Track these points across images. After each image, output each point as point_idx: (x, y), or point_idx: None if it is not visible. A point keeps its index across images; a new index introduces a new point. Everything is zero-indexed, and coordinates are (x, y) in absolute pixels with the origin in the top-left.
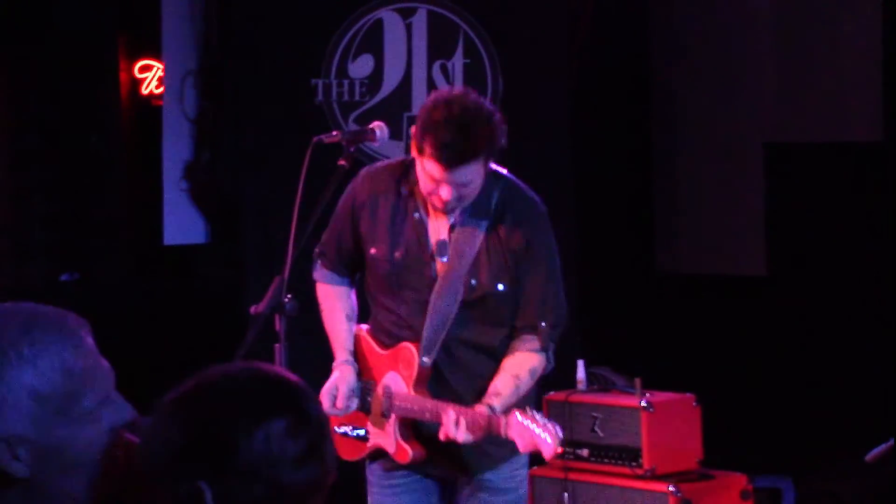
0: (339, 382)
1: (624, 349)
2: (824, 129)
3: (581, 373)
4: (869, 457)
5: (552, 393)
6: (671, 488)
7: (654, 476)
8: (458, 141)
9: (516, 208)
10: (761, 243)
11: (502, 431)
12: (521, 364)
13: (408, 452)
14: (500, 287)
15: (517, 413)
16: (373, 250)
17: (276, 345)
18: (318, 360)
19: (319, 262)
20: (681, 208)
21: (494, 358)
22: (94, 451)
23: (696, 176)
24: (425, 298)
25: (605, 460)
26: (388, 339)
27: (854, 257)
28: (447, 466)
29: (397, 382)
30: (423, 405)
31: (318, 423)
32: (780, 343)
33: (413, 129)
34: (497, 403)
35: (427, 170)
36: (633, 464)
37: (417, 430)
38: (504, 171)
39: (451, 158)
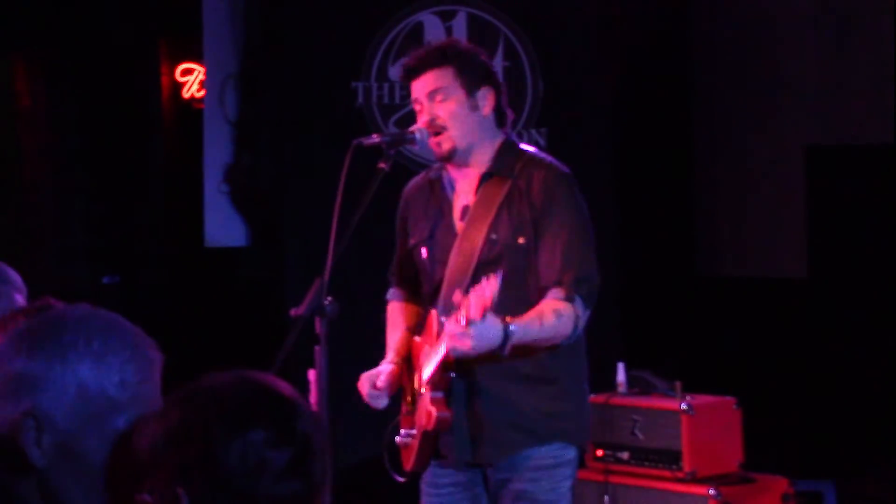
0: (383, 371)
1: (664, 352)
2: (865, 132)
3: (621, 375)
4: None
5: (592, 395)
6: (712, 491)
7: (695, 479)
8: (415, 52)
9: (538, 169)
10: (802, 246)
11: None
12: (546, 304)
13: (433, 415)
14: (521, 241)
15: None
16: (412, 240)
17: (317, 347)
18: (359, 362)
19: (392, 281)
20: (722, 211)
21: (521, 314)
22: (102, 477)
23: (737, 178)
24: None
25: (646, 463)
26: (424, 321)
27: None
28: (469, 451)
29: (426, 353)
30: (434, 351)
31: (303, 439)
32: (821, 345)
33: None
34: (512, 322)
35: (412, 102)
36: (674, 467)
37: (449, 407)
38: (532, 148)
39: (412, 68)
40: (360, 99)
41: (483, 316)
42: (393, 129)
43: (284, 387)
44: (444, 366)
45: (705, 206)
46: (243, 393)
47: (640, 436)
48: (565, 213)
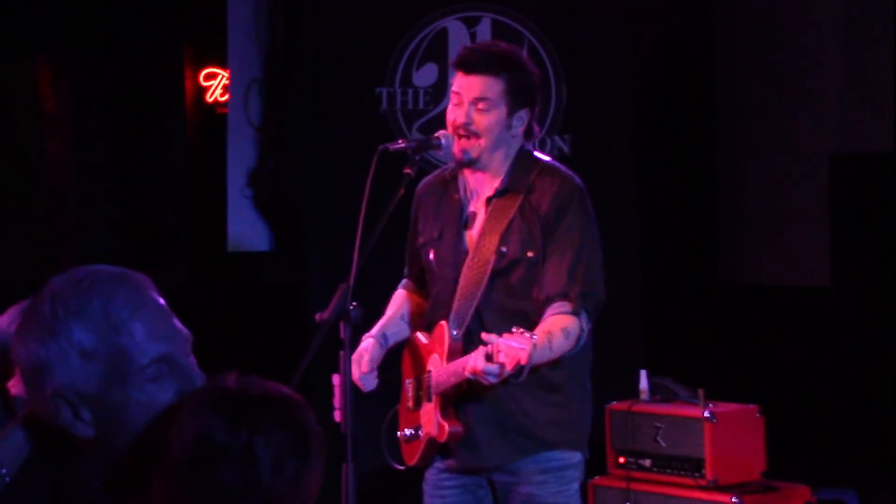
0: (364, 352)
1: (687, 359)
2: (890, 141)
3: (644, 383)
4: None
5: (615, 403)
6: (734, 499)
7: (717, 487)
8: (479, 49)
9: (550, 180)
10: (826, 254)
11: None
12: (554, 323)
13: (445, 429)
14: (530, 254)
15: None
16: (421, 239)
17: (341, 352)
18: (382, 366)
19: (405, 272)
20: (745, 219)
21: (526, 325)
22: (152, 413)
23: (761, 186)
24: (458, 274)
25: (668, 471)
26: (431, 326)
27: None
28: (474, 456)
29: (436, 362)
30: (451, 368)
31: (249, 444)
32: (844, 354)
33: None
34: None
35: (452, 90)
36: (696, 474)
37: (457, 413)
38: (547, 158)
39: (469, 62)
40: (384, 104)
41: (514, 368)
42: (417, 135)
43: (267, 393)
44: (460, 384)
45: (729, 213)
46: (225, 387)
47: (663, 443)
48: (574, 226)
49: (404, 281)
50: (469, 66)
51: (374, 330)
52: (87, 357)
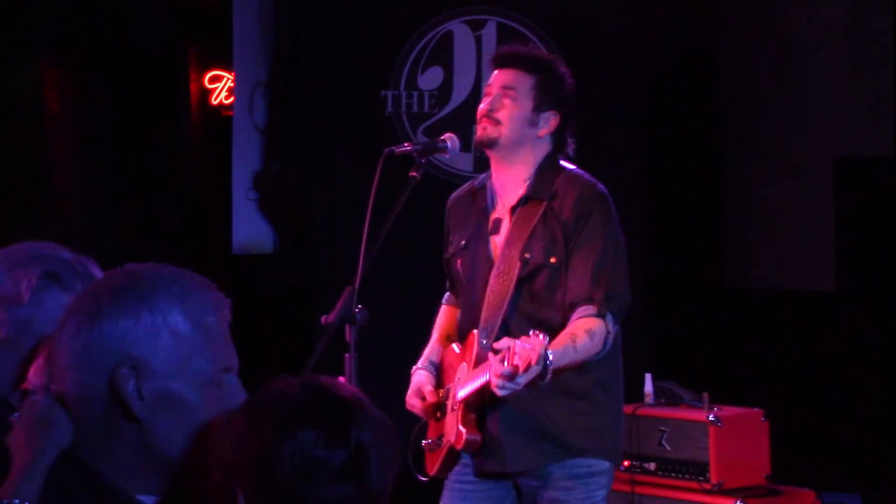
0: (421, 384)
1: (692, 363)
2: (894, 145)
3: (648, 386)
4: None
5: None
6: (739, 503)
7: (722, 491)
8: (515, 47)
9: (572, 186)
10: (831, 259)
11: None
12: (578, 325)
13: (462, 436)
14: (552, 260)
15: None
16: (450, 249)
17: (347, 355)
18: (388, 369)
19: (446, 285)
20: (750, 223)
21: (550, 333)
22: (199, 418)
23: (766, 191)
24: (484, 282)
25: (673, 474)
26: (463, 336)
27: None
28: (500, 462)
29: (463, 371)
30: (474, 375)
31: (359, 445)
32: (849, 359)
33: None
34: (550, 351)
35: (485, 88)
36: (701, 478)
37: (479, 423)
38: (572, 166)
39: (504, 58)
40: (389, 107)
41: (527, 369)
42: (423, 138)
43: (349, 392)
44: (482, 391)
45: (734, 217)
46: (301, 396)
47: (667, 447)
48: (596, 231)
49: (446, 295)
50: (503, 61)
51: (422, 360)
52: (176, 339)
